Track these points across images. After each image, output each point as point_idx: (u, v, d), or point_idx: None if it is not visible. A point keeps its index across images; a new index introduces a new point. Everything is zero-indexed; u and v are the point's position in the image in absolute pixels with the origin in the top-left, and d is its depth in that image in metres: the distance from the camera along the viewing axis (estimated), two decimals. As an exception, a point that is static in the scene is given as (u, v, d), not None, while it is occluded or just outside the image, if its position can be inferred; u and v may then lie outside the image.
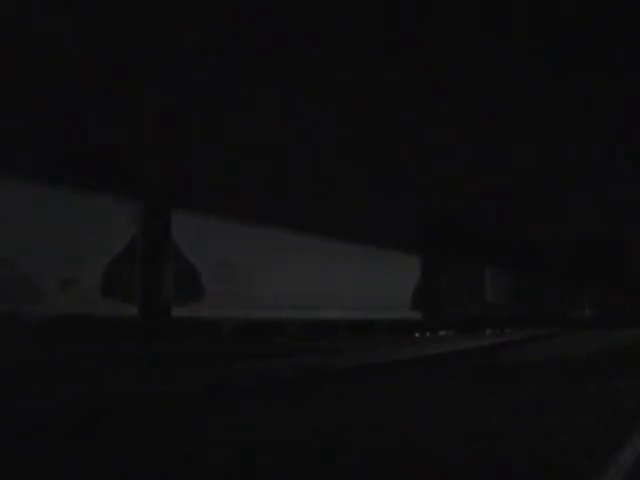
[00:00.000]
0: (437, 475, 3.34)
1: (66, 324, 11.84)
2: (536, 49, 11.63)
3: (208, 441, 4.10)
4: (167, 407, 5.68)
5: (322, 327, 17.53)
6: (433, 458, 3.61)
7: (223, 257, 15.57)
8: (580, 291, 43.22)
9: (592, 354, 12.56)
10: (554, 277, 42.90)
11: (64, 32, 9.98)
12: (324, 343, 16.78)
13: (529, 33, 11.03)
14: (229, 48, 11.05)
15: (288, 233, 17.86)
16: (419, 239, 24.04)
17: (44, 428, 4.56)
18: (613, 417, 4.90)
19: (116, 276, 13.14)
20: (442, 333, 23.65)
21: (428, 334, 22.30)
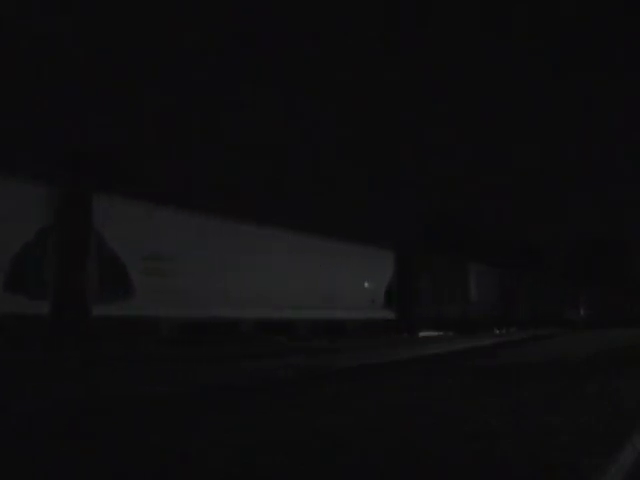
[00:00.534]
0: (437, 475, 3.34)
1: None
2: (536, 49, 11.67)
3: (208, 441, 4.10)
4: (166, 407, 5.68)
5: (278, 327, 16.43)
6: (432, 458, 3.61)
7: (158, 249, 13.72)
8: (577, 291, 42.98)
9: (592, 354, 12.56)
10: (552, 277, 42.88)
11: (64, 32, 10.02)
12: (324, 343, 16.74)
13: (529, 33, 11.07)
14: (229, 48, 11.09)
15: (245, 225, 16.28)
16: (399, 235, 23.12)
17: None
18: (613, 417, 4.89)
19: (24, 269, 11.39)
20: (423, 333, 23.12)
21: (405, 335, 21.76)
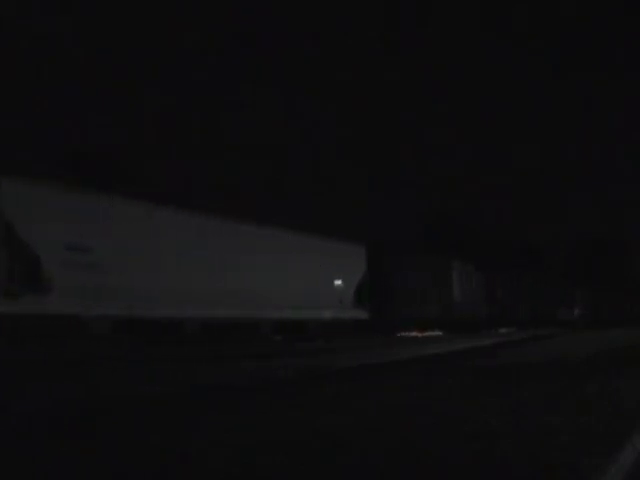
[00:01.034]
0: (436, 475, 3.34)
1: None
2: (536, 49, 11.67)
3: (208, 441, 4.09)
4: (166, 407, 5.68)
5: (222, 326, 14.94)
6: (432, 458, 3.61)
7: (82, 241, 12.13)
8: (572, 291, 42.72)
9: (592, 354, 12.56)
10: (551, 277, 42.77)
11: (64, 32, 9.98)
12: (320, 343, 16.62)
13: (529, 33, 11.07)
14: (229, 48, 11.05)
15: (190, 216, 14.37)
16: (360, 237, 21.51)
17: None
18: (613, 417, 4.89)
19: None
20: (402, 333, 22.21)
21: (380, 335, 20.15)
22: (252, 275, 15.68)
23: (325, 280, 18.25)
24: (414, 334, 22.90)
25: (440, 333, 24.23)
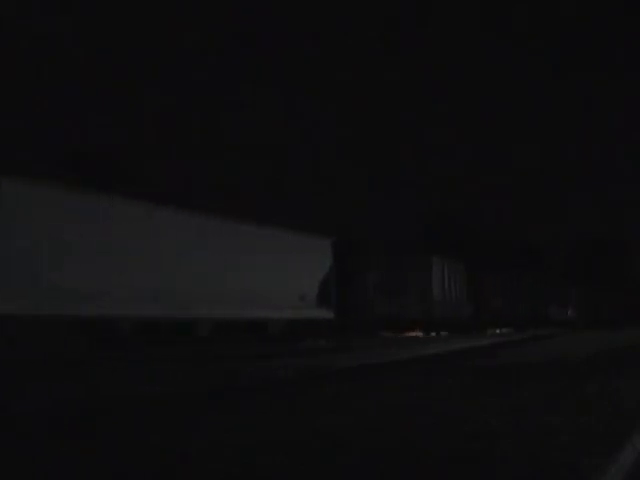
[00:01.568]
0: (437, 475, 3.34)
1: None
2: (536, 49, 11.67)
3: (208, 441, 4.09)
4: (166, 407, 5.68)
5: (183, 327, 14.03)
6: (432, 458, 3.61)
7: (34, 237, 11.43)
8: (568, 291, 42.43)
9: (592, 354, 12.55)
10: (550, 277, 42.63)
11: (64, 32, 9.98)
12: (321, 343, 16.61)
13: (529, 33, 11.07)
14: (229, 48, 11.04)
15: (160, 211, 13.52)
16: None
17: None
18: (613, 417, 4.89)
19: None
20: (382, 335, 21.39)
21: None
22: (206, 270, 14.61)
23: (284, 276, 16.63)
24: (389, 335, 21.97)
25: (420, 334, 23.51)
